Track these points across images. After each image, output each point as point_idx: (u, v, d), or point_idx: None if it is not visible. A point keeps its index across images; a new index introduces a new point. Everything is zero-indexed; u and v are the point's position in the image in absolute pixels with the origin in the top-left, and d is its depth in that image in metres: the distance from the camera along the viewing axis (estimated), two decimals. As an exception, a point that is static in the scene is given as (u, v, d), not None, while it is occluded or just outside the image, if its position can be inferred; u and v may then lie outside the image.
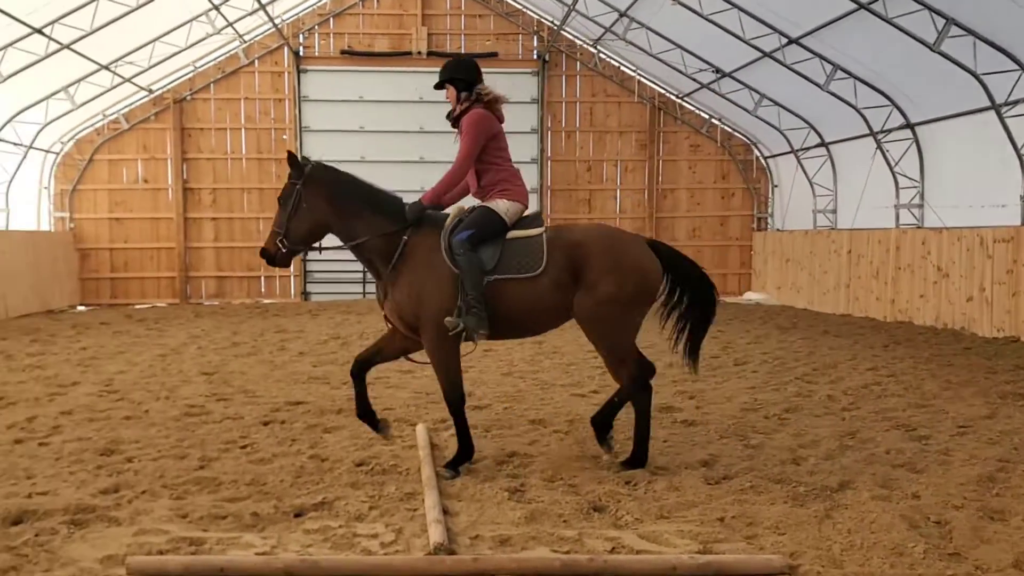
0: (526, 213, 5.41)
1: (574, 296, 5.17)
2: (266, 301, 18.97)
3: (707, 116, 20.14)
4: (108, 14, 14.23)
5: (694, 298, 5.42)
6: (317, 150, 19.18)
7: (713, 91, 18.09)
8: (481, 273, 5.09)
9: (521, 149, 19.67)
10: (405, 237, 5.28)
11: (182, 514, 4.43)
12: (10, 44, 13.52)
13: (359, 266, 18.43)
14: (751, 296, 19.72)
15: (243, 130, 19.25)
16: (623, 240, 5.38)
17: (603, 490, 4.83)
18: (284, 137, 19.29)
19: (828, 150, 17.52)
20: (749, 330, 13.26)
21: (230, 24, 17.38)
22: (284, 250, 5.30)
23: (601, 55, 19.94)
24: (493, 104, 5.64)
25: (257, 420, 6.72)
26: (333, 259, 18.75)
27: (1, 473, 5.15)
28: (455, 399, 5.21)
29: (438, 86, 5.82)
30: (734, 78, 17.12)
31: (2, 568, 3.65)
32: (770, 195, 20.32)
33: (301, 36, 19.30)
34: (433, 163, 19.35)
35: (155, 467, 5.34)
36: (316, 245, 5.54)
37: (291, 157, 5.34)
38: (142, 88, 18.19)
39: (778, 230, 19.64)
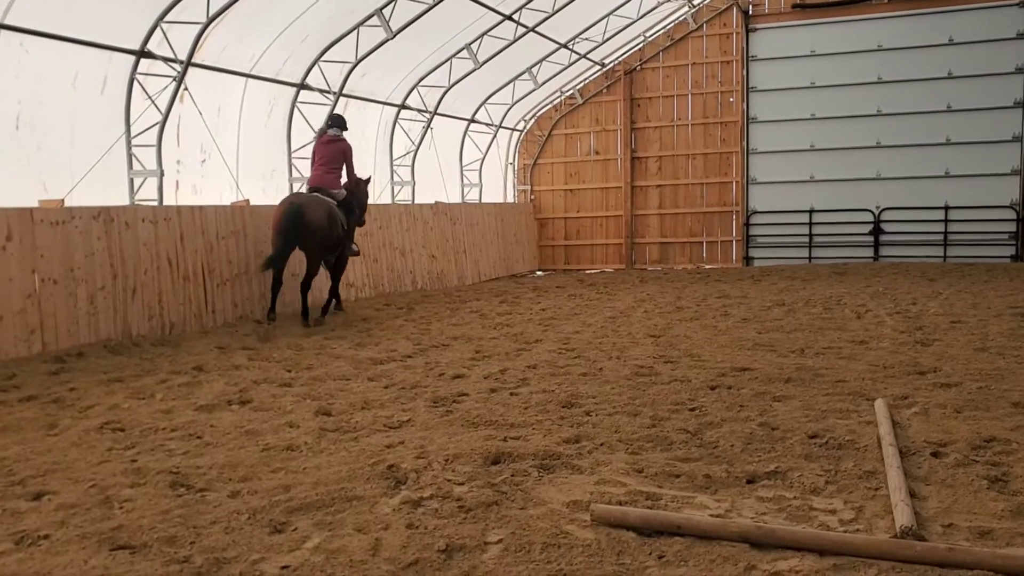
0: None
1: None
2: (708, 266, 19.14)
3: None
4: (567, -6, 15.35)
5: None
6: (765, 110, 18.84)
7: None
8: None
9: (1001, 93, 17.28)
10: None
11: (638, 468, 4.63)
12: (485, 33, 15.19)
13: (804, 229, 18.14)
14: None
15: (689, 96, 19.50)
16: None
17: (1116, 493, 4.08)
18: (731, 100, 19.17)
19: None
20: None
21: (679, -10, 17.70)
22: None
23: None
24: None
25: (704, 384, 6.77)
26: (775, 223, 18.31)
27: (481, 417, 5.83)
28: None
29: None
30: None
31: (486, 502, 4.11)
32: None
33: (749, -6, 18.96)
34: (892, 115, 17.94)
35: (611, 422, 5.63)
36: None
37: None
38: (596, 63, 19.31)
39: None
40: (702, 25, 19.25)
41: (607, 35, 17.84)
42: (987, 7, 17.28)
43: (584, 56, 18.39)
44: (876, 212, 18.24)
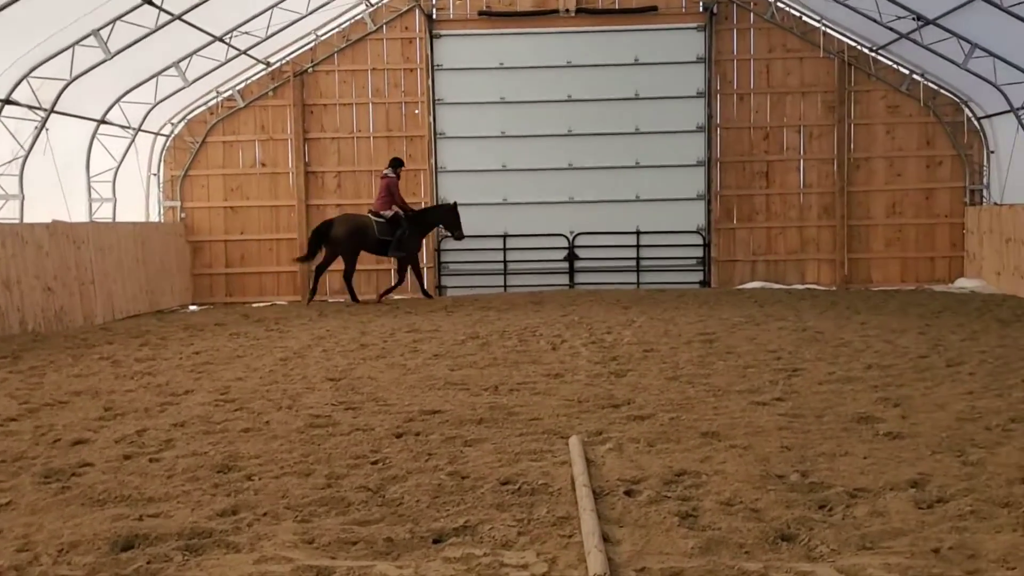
0: None
1: None
2: (396, 297, 19.37)
3: (907, 71, 19.22)
4: (223, -20, 14.93)
5: None
6: (453, 125, 19.54)
7: (914, 42, 17.25)
8: None
9: (684, 117, 19.43)
10: None
11: (308, 539, 4.50)
12: (119, 17, 14.30)
13: (498, 256, 19.01)
14: (964, 283, 18.82)
15: (370, 104, 19.80)
16: None
17: (792, 515, 4.67)
18: (416, 112, 19.68)
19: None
20: (963, 324, 12.65)
21: (355, -14, 17.93)
22: None
23: (779, 3, 19.38)
24: None
25: (389, 432, 6.79)
26: (469, 248, 19.01)
27: (110, 493, 5.38)
28: None
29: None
30: (939, 25, 16.19)
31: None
32: (985, 163, 19.22)
33: (433, -4, 19.66)
34: (583, 136, 19.42)
35: (277, 485, 5.46)
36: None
37: None
38: (259, 61, 18.97)
39: (996, 204, 18.53)
40: (382, 27, 19.66)
41: (272, 30, 17.59)
42: (669, 28, 19.40)
43: (244, 52, 17.98)
44: (570, 237, 19.60)
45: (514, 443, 6.35)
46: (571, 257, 19.66)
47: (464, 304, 17.18)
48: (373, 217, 17.71)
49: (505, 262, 19.66)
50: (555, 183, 19.54)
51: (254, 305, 18.85)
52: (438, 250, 19.67)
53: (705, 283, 19.72)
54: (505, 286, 19.49)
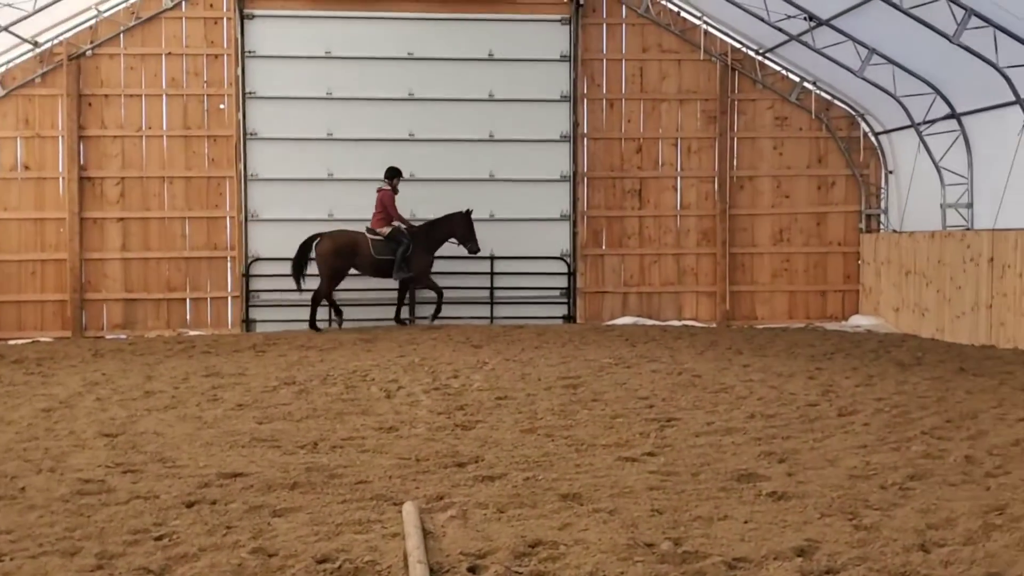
0: None
1: None
2: (193, 332, 18.92)
3: (797, 78, 20.13)
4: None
5: None
6: (268, 124, 19.30)
7: (805, 44, 18.03)
8: None
9: (546, 124, 19.77)
10: None
11: (69, 634, 4.31)
12: None
13: (317, 282, 18.74)
14: (859, 321, 19.71)
15: (164, 97, 19.38)
16: None
17: (666, 595, 4.77)
18: (221, 106, 19.35)
19: (961, 123, 17.43)
20: (857, 367, 13.23)
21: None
22: None
23: (655, -6, 20.01)
24: None
25: (178, 500, 6.64)
26: (286, 274, 18.77)
27: None
28: None
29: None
30: (833, 27, 17.02)
31: None
32: (883, 184, 20.27)
33: (245, -32, 19.46)
34: (426, 142, 19.51)
35: (35, 568, 5.28)
36: None
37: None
38: (24, 40, 18.32)
39: (895, 231, 19.53)
40: (180, 3, 19.28)
41: (41, 3, 17.00)
42: (529, 19, 19.75)
43: (6, 29, 17.31)
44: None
45: (335, 512, 6.29)
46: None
47: (279, 342, 16.94)
48: (370, 236, 18.41)
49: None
50: (394, 196, 19.56)
51: (11, 343, 18.05)
52: (245, 276, 19.29)
53: (570, 318, 20.02)
54: (331, 320, 19.29)
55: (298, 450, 8.18)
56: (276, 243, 19.26)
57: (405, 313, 19.48)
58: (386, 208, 18.44)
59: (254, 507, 6.45)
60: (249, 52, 19.37)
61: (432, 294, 19.02)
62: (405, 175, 19.12)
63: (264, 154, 19.41)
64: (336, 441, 8.55)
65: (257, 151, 19.40)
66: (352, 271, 18.65)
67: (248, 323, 19.39)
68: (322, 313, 18.80)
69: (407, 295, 19.45)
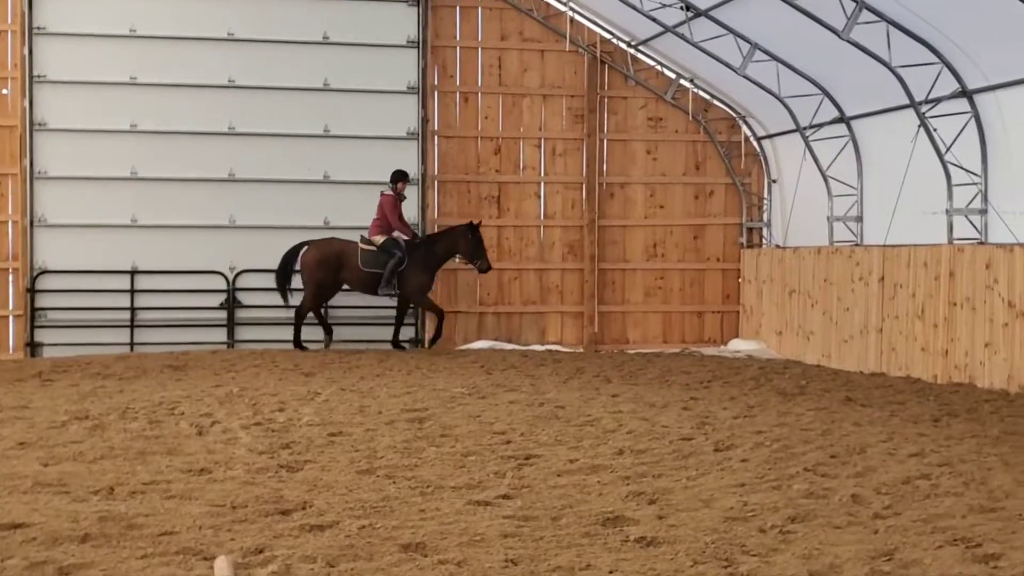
0: None
1: None
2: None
3: (674, 75, 20.60)
4: None
5: None
6: (59, 113, 18.85)
7: (681, 37, 18.36)
8: None
9: (391, 118, 19.76)
10: None
11: None
12: None
13: (124, 300, 18.46)
14: (739, 345, 20.20)
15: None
16: None
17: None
18: (3, 92, 18.83)
19: (850, 128, 18.04)
20: (736, 397, 13.55)
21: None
22: None
23: (515, -24, 20.24)
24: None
25: (-57, 555, 6.41)
26: (79, 289, 18.34)
27: None
28: None
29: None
30: (712, 18, 17.38)
31: None
32: (766, 194, 20.83)
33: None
34: (250, 136, 19.34)
35: None
36: None
37: None
38: None
39: (778, 247, 20.08)
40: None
41: None
42: (370, -1, 19.71)
43: None
44: (230, 276, 19.34)
45: (133, 569, 6.13)
46: (231, 304, 19.38)
47: (70, 369, 16.51)
48: (363, 245, 18.61)
49: (133, 309, 19.09)
50: (211, 197, 19.27)
51: None
52: (30, 291, 18.75)
53: (417, 342, 20.02)
54: (132, 344, 18.91)
55: (91, 496, 7.95)
56: (68, 253, 18.84)
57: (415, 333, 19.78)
58: (385, 215, 18.58)
59: (36, 563, 6.24)
60: (38, 28, 18.87)
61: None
62: (224, 174, 18.91)
63: (55, 148, 18.94)
64: (136, 486, 8.33)
65: (46, 144, 18.91)
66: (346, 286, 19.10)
67: (33, 347, 18.84)
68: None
69: (406, 314, 19.64)
